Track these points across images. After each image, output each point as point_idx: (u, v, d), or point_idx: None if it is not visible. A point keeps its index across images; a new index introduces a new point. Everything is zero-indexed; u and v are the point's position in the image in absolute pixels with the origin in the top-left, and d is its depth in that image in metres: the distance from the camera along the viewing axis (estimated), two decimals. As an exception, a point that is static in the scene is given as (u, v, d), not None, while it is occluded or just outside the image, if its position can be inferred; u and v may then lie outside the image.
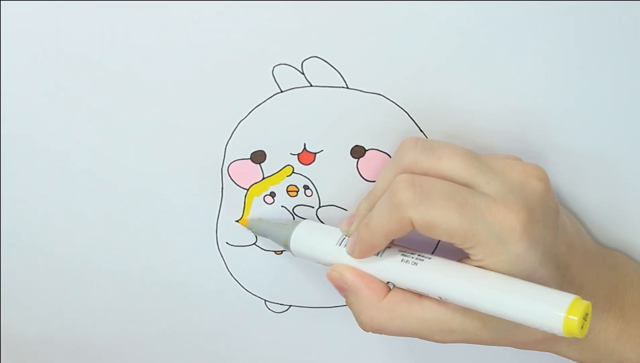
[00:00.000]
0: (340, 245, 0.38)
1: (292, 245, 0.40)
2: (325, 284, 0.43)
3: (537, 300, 0.31)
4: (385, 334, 0.37)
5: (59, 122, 0.40)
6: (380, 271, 0.36)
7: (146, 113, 0.39)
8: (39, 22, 0.37)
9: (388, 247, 0.36)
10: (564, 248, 0.36)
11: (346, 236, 0.38)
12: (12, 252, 0.45)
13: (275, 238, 0.41)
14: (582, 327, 0.30)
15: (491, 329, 0.35)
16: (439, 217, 0.33)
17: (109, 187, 0.42)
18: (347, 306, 0.45)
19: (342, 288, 0.38)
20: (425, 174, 0.35)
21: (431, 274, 0.34)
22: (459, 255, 0.35)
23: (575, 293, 0.36)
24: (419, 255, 0.35)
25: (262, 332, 0.47)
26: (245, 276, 0.45)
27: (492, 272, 0.33)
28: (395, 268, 0.35)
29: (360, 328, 0.38)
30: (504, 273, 0.33)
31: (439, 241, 0.41)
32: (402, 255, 0.36)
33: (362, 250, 0.36)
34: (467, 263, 0.35)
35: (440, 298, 0.34)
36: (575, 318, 0.30)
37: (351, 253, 0.37)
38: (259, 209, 0.42)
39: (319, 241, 0.39)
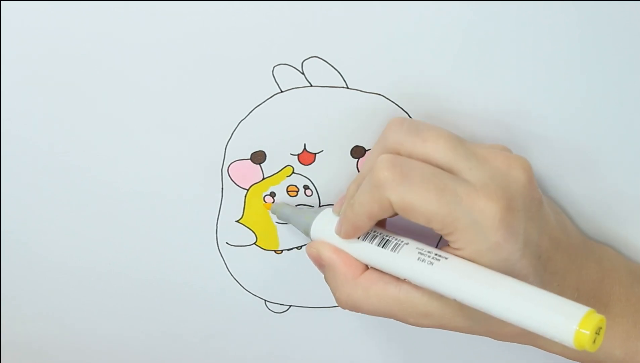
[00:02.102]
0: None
1: (312, 234, 0.39)
2: (325, 284, 0.43)
3: (549, 310, 0.31)
4: (361, 312, 0.37)
5: (59, 122, 0.40)
6: (397, 268, 0.35)
7: (146, 113, 0.39)
8: (39, 22, 0.37)
9: (406, 244, 0.35)
10: (547, 240, 0.36)
11: (337, 216, 0.38)
12: (12, 252, 0.45)
13: (296, 224, 0.40)
14: (594, 341, 0.30)
15: (467, 317, 0.35)
16: (417, 200, 0.33)
17: (109, 187, 0.42)
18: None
19: (320, 264, 0.38)
20: (409, 155, 0.35)
21: (445, 275, 0.34)
22: (444, 242, 0.35)
23: (557, 286, 0.35)
24: (436, 254, 0.34)
25: (262, 332, 0.47)
26: (245, 276, 0.45)
27: (509, 277, 0.32)
28: (411, 266, 0.35)
29: (338, 305, 0.38)
30: (484, 263, 0.33)
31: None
32: (419, 253, 0.35)
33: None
34: (447, 251, 0.34)
35: (455, 299, 0.33)
36: (587, 332, 0.29)
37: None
38: (259, 209, 0.42)
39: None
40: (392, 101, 0.38)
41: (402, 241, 0.36)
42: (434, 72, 0.37)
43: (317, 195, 0.42)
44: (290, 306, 0.46)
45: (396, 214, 0.34)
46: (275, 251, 0.44)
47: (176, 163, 0.41)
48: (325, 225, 0.39)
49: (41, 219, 0.43)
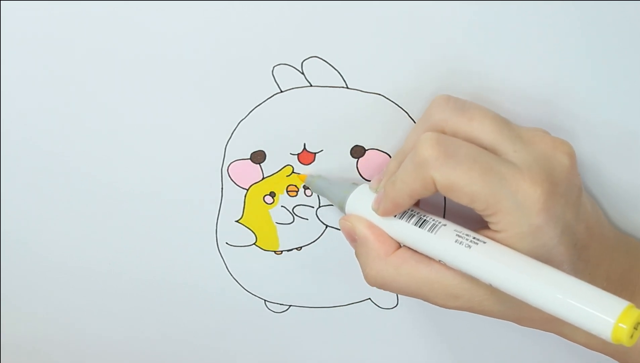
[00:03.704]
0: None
1: (347, 208, 0.39)
2: (325, 284, 0.43)
3: (589, 302, 0.30)
4: (389, 290, 0.37)
5: (58, 122, 0.40)
6: (433, 249, 0.35)
7: (146, 113, 0.39)
8: (39, 22, 0.37)
9: (444, 226, 0.35)
10: (583, 228, 0.35)
11: (375, 193, 0.38)
12: (12, 253, 0.45)
13: (331, 197, 0.40)
14: (631, 336, 0.29)
15: (497, 301, 0.35)
16: (462, 179, 0.32)
17: (109, 187, 0.42)
18: (347, 306, 0.45)
19: (352, 239, 0.38)
20: (454, 134, 0.34)
21: (483, 260, 0.33)
22: (476, 224, 0.35)
23: (588, 274, 0.35)
24: (474, 238, 0.34)
25: (262, 332, 0.47)
26: (245, 276, 0.45)
27: (547, 265, 0.32)
28: (448, 248, 0.34)
29: (365, 281, 0.37)
30: (522, 247, 0.33)
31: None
32: (457, 235, 0.34)
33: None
34: (485, 234, 0.34)
35: (490, 284, 0.33)
36: (625, 326, 0.29)
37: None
38: (258, 209, 0.42)
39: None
40: (392, 101, 0.38)
41: (439, 222, 0.35)
42: (434, 72, 0.37)
43: (317, 195, 0.42)
44: (290, 306, 0.46)
45: (436, 192, 0.34)
46: (275, 251, 0.44)
47: (176, 163, 0.41)
48: (361, 200, 0.38)
49: (41, 219, 0.43)
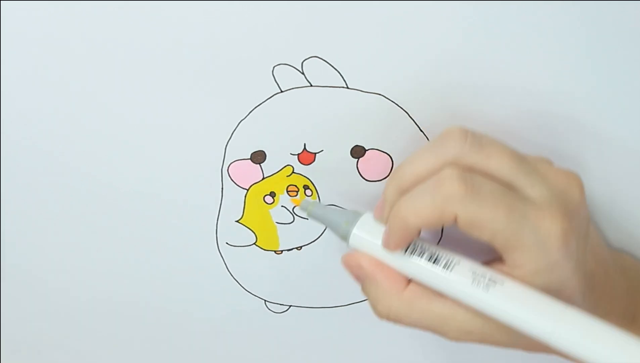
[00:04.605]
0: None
1: (351, 242, 0.37)
2: (325, 284, 0.43)
3: (611, 346, 0.31)
4: (401, 324, 0.37)
5: (58, 122, 0.40)
6: (448, 288, 0.35)
7: (146, 113, 0.39)
8: (39, 23, 0.37)
9: (457, 264, 0.34)
10: (592, 258, 0.36)
11: (379, 223, 0.37)
12: (12, 253, 0.45)
13: (333, 227, 0.38)
14: None
15: (509, 333, 0.35)
16: (487, 216, 0.33)
17: (109, 187, 0.42)
18: (347, 307, 0.45)
19: (358, 276, 0.38)
20: (470, 169, 0.34)
21: (503, 303, 0.33)
22: (480, 255, 0.35)
23: (594, 300, 0.35)
24: (490, 278, 0.34)
25: (262, 332, 0.47)
26: (245, 276, 0.45)
27: (568, 306, 0.32)
28: (466, 289, 0.34)
29: (376, 316, 0.37)
30: (538, 282, 0.33)
31: (441, 236, 0.41)
32: (472, 274, 0.34)
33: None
34: (498, 269, 0.34)
35: (510, 326, 0.33)
36: None
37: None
38: (259, 209, 0.42)
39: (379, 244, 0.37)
40: (392, 101, 0.38)
41: (452, 259, 0.35)
42: (434, 72, 0.37)
43: (317, 195, 0.42)
44: (290, 306, 0.46)
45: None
46: (275, 251, 0.44)
47: (176, 163, 0.41)
48: (366, 234, 0.37)
49: (41, 219, 0.43)
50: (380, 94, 0.38)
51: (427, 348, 0.47)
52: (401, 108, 0.39)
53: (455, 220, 0.33)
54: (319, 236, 0.43)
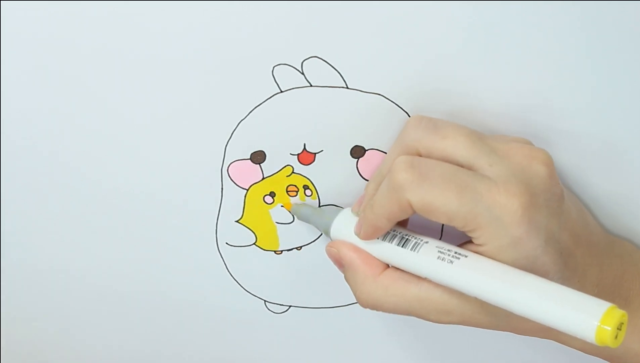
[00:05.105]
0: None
1: (332, 233, 0.39)
2: (325, 284, 0.43)
3: (571, 307, 0.30)
4: (381, 311, 0.37)
5: (58, 122, 0.40)
6: (417, 267, 0.35)
7: (146, 113, 0.39)
8: (39, 23, 0.37)
9: (425, 243, 0.35)
10: (568, 236, 0.35)
11: (357, 216, 0.38)
12: (12, 253, 0.45)
13: (317, 224, 0.40)
14: (616, 337, 0.29)
15: (488, 313, 0.35)
16: (438, 199, 0.33)
17: (109, 187, 0.42)
18: (347, 307, 0.45)
19: (339, 264, 0.38)
20: (428, 153, 0.35)
21: (465, 273, 0.33)
22: (464, 239, 0.35)
23: (577, 282, 0.35)
24: (455, 253, 0.34)
25: (262, 332, 0.47)
26: (245, 277, 0.45)
27: (527, 274, 0.32)
28: (431, 265, 0.35)
29: (359, 304, 0.38)
30: (505, 259, 0.33)
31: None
32: (438, 251, 0.35)
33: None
34: (469, 249, 0.34)
35: (476, 297, 0.33)
36: (609, 328, 0.29)
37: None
38: (258, 209, 0.42)
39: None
40: (392, 101, 0.38)
41: (421, 240, 0.36)
42: (434, 72, 0.37)
43: (317, 195, 0.42)
44: (290, 306, 0.46)
45: (414, 213, 0.34)
46: (275, 251, 0.44)
47: (176, 163, 0.41)
48: (345, 225, 0.39)
49: (41, 220, 0.43)
50: (380, 94, 0.38)
51: (428, 348, 0.47)
52: (401, 108, 0.39)
53: (412, 207, 0.33)
54: (319, 236, 0.43)
